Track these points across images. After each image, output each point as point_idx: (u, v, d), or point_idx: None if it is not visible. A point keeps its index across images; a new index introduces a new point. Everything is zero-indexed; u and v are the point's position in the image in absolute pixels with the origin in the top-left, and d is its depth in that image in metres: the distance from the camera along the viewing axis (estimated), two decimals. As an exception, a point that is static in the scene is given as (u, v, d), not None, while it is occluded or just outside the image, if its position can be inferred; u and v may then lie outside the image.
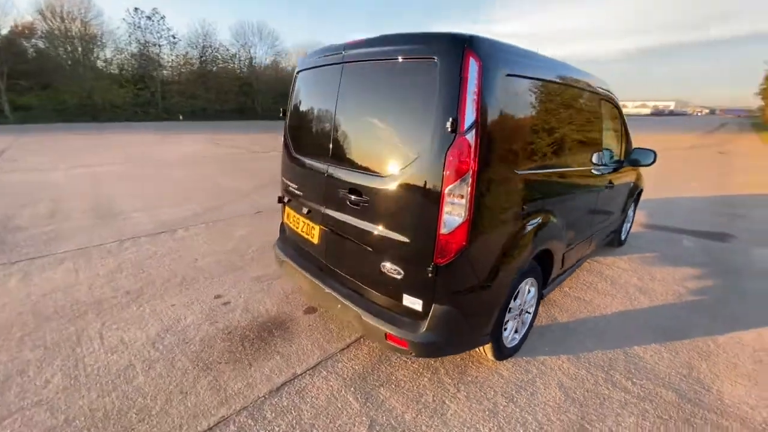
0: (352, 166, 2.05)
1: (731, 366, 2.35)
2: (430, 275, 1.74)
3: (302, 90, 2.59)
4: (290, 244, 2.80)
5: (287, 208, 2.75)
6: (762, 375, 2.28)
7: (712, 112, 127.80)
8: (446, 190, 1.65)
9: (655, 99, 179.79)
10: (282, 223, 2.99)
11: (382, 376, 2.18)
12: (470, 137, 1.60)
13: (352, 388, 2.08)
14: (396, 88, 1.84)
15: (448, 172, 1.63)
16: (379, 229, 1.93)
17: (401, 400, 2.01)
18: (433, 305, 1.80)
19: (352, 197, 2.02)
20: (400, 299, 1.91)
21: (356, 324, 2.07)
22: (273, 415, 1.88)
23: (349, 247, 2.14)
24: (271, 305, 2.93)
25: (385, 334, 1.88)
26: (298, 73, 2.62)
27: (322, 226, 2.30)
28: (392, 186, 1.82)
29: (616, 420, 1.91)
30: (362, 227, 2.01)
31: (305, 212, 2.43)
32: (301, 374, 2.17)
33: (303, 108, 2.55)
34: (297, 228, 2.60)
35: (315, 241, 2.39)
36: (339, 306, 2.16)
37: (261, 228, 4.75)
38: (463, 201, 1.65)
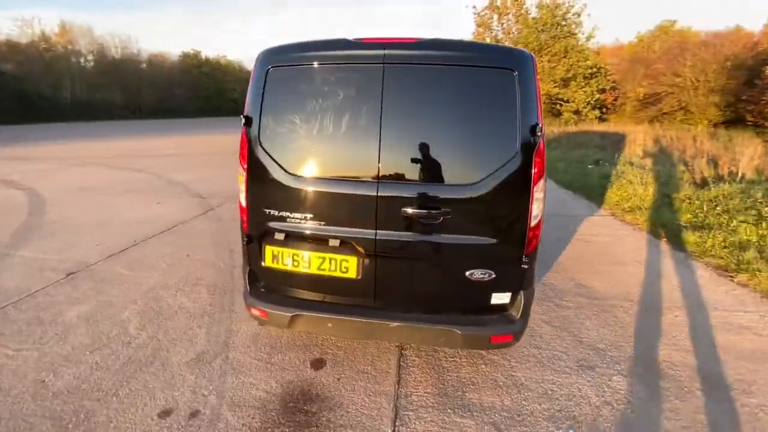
0: (421, 179, 1.88)
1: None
2: (524, 266, 1.91)
3: (296, 91, 1.98)
4: (286, 291, 2.15)
5: (275, 248, 2.07)
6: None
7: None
8: (535, 188, 1.84)
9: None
10: (251, 271, 2.20)
11: (453, 384, 2.16)
12: (542, 139, 1.86)
13: (449, 410, 1.97)
14: (470, 95, 1.81)
15: (535, 170, 1.82)
16: (462, 238, 1.89)
17: (489, 392, 2.10)
18: (522, 292, 1.99)
19: (426, 212, 1.85)
20: (488, 299, 1.97)
21: (449, 342, 1.98)
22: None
23: (419, 268, 1.97)
24: (267, 383, 2.15)
25: (489, 337, 1.92)
26: (271, 67, 1.95)
27: (366, 257, 1.95)
28: (479, 192, 1.83)
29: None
30: (440, 241, 1.91)
31: (334, 245, 1.95)
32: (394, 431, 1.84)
33: (305, 115, 1.97)
34: (309, 268, 2.03)
35: (353, 275, 1.98)
36: (419, 336, 1.97)
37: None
38: (542, 195, 1.90)
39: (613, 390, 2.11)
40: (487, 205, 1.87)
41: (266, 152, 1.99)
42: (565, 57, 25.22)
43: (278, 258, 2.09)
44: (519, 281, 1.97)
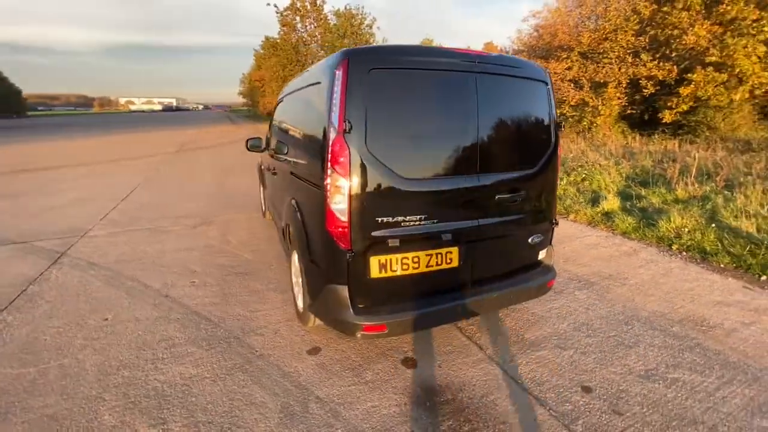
0: (506, 169, 2.21)
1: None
2: (554, 226, 2.57)
3: (401, 95, 1.89)
4: (396, 298, 2.07)
5: (383, 257, 1.95)
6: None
7: (206, 107, 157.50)
8: (559, 166, 2.51)
9: (158, 96, 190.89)
10: (352, 290, 1.98)
11: (515, 332, 2.64)
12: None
13: (529, 350, 2.44)
14: (526, 100, 2.28)
15: (559, 154, 2.49)
16: (527, 213, 2.36)
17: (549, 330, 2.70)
18: (550, 245, 2.65)
19: (511, 196, 2.23)
20: (537, 256, 2.54)
21: (523, 297, 2.45)
22: None
23: (502, 244, 2.32)
24: (388, 397, 2.01)
25: (547, 283, 2.50)
26: (373, 69, 1.80)
27: (463, 244, 2.14)
28: (539, 174, 2.35)
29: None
30: (518, 217, 2.31)
31: (446, 239, 2.04)
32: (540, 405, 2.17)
33: (410, 118, 1.92)
34: (419, 267, 2.03)
35: (455, 264, 2.13)
36: (505, 300, 2.35)
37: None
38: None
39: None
40: (541, 183, 2.41)
41: (376, 159, 1.85)
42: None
43: (386, 266, 1.97)
44: (551, 238, 2.63)
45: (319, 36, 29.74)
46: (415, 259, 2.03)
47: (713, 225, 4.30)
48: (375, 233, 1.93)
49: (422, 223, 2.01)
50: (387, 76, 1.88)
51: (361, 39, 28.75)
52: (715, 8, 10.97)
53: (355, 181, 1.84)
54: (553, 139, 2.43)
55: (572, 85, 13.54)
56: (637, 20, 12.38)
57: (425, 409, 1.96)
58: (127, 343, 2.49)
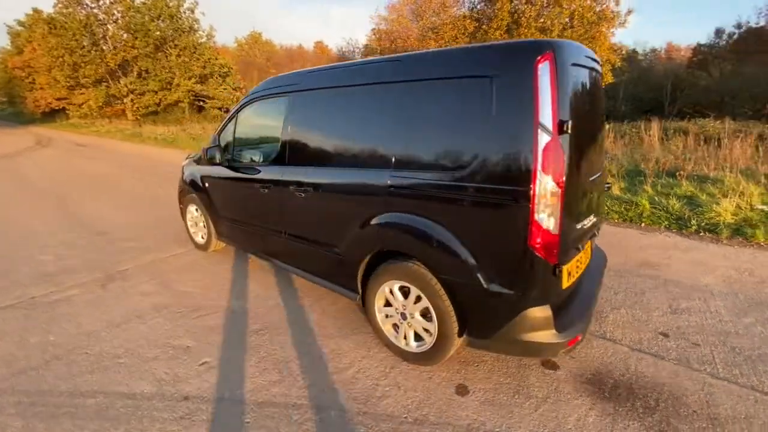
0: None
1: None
2: None
3: (574, 91, 1.67)
4: (568, 305, 1.95)
5: (571, 265, 1.83)
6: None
7: None
8: None
9: None
10: (553, 307, 1.76)
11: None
12: None
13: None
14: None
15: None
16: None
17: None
18: None
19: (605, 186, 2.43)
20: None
21: None
22: None
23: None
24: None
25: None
26: (571, 65, 1.59)
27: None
28: None
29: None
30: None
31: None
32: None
33: (574, 116, 1.71)
34: (578, 269, 2.00)
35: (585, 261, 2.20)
36: None
37: None
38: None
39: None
40: None
41: (575, 161, 1.67)
42: (194, 53, 24.69)
43: (571, 273, 1.85)
44: None
45: (118, 14, 23.64)
46: (578, 263, 2.00)
47: None
48: (573, 239, 1.80)
49: (590, 223, 1.99)
50: (574, 73, 1.73)
51: (181, 24, 24.46)
52: (516, 31, 14.48)
53: (565, 187, 1.66)
54: None
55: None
56: (467, 33, 15.08)
57: (609, 400, 2.00)
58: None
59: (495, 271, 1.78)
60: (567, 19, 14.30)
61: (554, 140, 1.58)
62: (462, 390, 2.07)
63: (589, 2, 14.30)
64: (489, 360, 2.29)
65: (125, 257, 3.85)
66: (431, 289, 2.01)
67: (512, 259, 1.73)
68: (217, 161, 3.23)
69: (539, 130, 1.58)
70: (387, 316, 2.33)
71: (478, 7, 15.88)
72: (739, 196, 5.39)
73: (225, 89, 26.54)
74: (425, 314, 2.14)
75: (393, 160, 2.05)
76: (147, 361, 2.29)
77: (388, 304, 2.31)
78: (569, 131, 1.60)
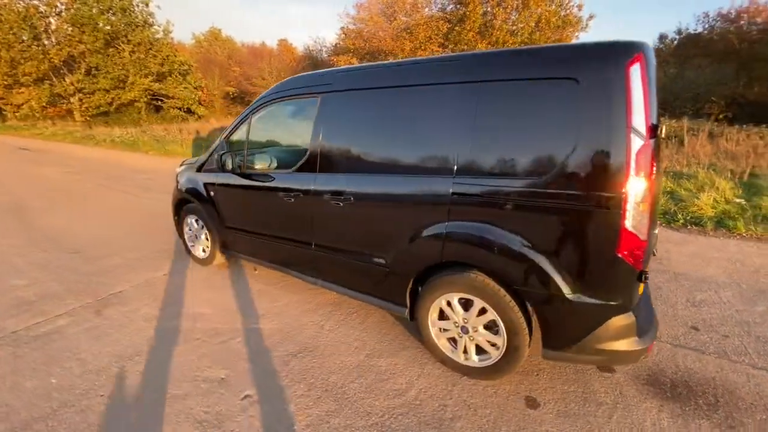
0: None
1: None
2: None
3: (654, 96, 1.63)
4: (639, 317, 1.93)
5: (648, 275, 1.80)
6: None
7: None
8: None
9: None
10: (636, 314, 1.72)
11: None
12: None
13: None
14: None
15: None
16: None
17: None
18: None
19: None
20: None
21: None
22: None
23: None
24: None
25: None
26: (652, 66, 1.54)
27: None
28: None
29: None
30: None
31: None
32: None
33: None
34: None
35: None
36: None
37: None
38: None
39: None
40: None
41: (657, 164, 1.64)
42: (150, 49, 23.06)
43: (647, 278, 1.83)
44: None
45: (62, 6, 21.59)
46: None
47: None
48: (653, 245, 1.77)
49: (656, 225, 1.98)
50: (655, 74, 1.71)
51: (134, 18, 22.75)
52: (488, 33, 14.83)
53: (653, 191, 1.62)
54: None
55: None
56: (440, 34, 15.24)
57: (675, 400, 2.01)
58: None
59: (579, 280, 1.72)
60: (534, 24, 14.85)
61: (647, 144, 1.54)
62: (532, 403, 2.00)
63: (554, 7, 14.93)
64: (546, 368, 2.24)
65: (113, 278, 3.43)
66: (500, 301, 1.91)
67: (599, 267, 1.68)
68: (230, 168, 2.95)
69: (632, 134, 1.53)
70: (442, 330, 2.21)
71: (449, 8, 16.11)
72: (715, 190, 5.82)
73: (186, 88, 25.02)
74: (489, 327, 2.05)
75: (455, 166, 1.93)
76: (178, 399, 2.01)
77: (442, 317, 2.20)
78: (662, 135, 1.56)
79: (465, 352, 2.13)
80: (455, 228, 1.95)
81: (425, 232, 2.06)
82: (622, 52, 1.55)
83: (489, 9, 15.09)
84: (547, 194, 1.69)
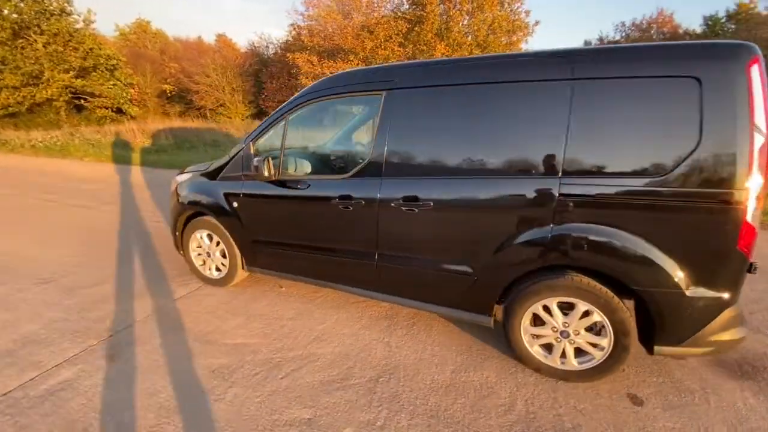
0: None
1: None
2: None
3: None
4: None
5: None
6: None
7: None
8: None
9: None
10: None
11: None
12: None
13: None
14: None
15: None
16: None
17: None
18: None
19: None
20: None
21: None
22: None
23: None
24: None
25: None
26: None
27: None
28: None
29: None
30: None
31: None
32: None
33: None
34: None
35: None
36: None
37: None
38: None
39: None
40: None
41: None
42: (70, 41, 20.24)
43: None
44: None
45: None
46: None
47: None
48: None
49: None
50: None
51: (47, 5, 19.78)
52: (447, 35, 15.22)
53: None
54: None
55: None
56: (400, 34, 15.32)
57: None
58: None
59: (698, 275, 1.74)
60: (487, 27, 15.53)
61: (767, 141, 1.59)
62: (636, 400, 2.01)
63: (504, 13, 15.74)
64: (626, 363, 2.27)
65: (111, 311, 2.87)
66: (609, 303, 1.89)
67: (718, 261, 1.71)
68: (261, 175, 2.60)
69: (755, 132, 1.57)
70: (535, 336, 2.14)
71: (403, 9, 16.25)
72: None
73: (115, 85, 22.35)
74: (590, 329, 2.02)
75: (561, 166, 1.86)
76: (270, 452, 1.70)
77: (536, 323, 2.13)
78: None
79: (563, 356, 2.08)
80: (563, 231, 1.88)
81: (524, 237, 1.97)
82: (744, 53, 1.59)
83: (445, 10, 15.48)
84: (669, 193, 1.69)
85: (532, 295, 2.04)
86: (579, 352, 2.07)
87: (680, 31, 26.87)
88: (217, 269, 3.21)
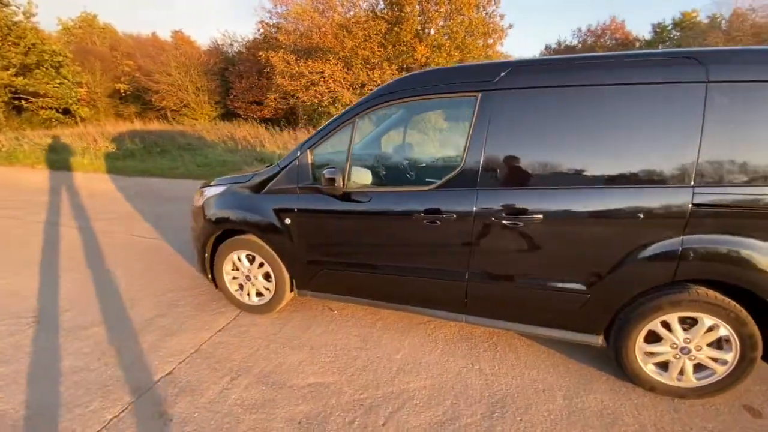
0: None
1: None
2: None
3: None
4: None
5: None
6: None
7: None
8: None
9: None
10: None
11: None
12: None
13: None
14: None
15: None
16: None
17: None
18: None
19: None
20: None
21: None
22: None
23: None
24: None
25: None
26: None
27: None
28: None
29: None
30: None
31: None
32: None
33: None
34: None
35: None
36: None
37: None
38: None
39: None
40: None
41: None
42: (8, 35, 18.08)
43: None
44: None
45: None
46: None
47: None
48: None
49: None
50: None
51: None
52: (426, 36, 15.19)
53: None
54: None
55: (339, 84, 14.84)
56: (380, 34, 15.10)
57: None
58: None
59: None
60: (464, 29, 15.70)
61: None
62: (753, 412, 1.94)
63: (480, 16, 16.01)
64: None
65: (140, 353, 2.41)
66: (738, 316, 1.80)
67: None
68: (324, 187, 2.29)
69: None
70: (649, 354, 2.02)
71: (379, 8, 16.05)
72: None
73: (62, 84, 20.28)
74: (712, 343, 1.93)
75: (693, 173, 1.74)
76: None
77: (650, 340, 2.01)
78: None
79: (681, 373, 1.98)
80: (697, 243, 1.77)
81: (650, 250, 1.83)
82: None
83: (422, 11, 15.47)
84: None
85: (653, 311, 1.91)
86: (697, 367, 1.97)
87: (630, 37, 28.88)
88: (258, 294, 2.83)
